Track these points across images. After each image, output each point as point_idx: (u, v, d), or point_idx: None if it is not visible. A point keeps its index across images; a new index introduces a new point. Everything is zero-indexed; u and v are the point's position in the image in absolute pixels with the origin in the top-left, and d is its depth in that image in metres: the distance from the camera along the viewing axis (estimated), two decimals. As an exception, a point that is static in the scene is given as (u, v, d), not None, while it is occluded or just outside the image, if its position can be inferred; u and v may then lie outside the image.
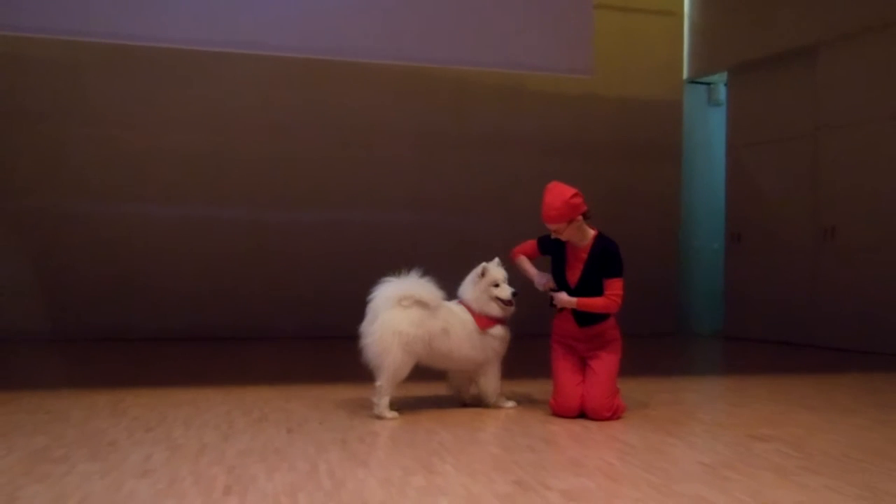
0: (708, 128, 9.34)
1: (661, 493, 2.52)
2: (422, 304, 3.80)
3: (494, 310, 3.92)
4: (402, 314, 3.76)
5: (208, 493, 2.44)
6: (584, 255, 3.83)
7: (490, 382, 3.98)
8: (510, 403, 4.04)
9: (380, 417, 3.70)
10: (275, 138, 7.86)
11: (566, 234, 3.79)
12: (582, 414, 3.79)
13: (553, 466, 2.87)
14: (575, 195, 3.73)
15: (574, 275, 3.85)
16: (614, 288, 3.75)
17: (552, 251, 3.95)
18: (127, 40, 6.16)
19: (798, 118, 7.90)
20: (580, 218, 3.77)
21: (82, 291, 7.37)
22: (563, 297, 3.80)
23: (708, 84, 9.40)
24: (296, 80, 7.82)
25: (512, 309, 3.94)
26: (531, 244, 4.06)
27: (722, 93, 9.24)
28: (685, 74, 9.24)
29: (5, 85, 7.29)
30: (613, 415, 3.74)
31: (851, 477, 2.76)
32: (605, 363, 3.82)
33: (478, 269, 3.95)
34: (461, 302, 3.98)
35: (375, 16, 6.21)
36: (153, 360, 6.12)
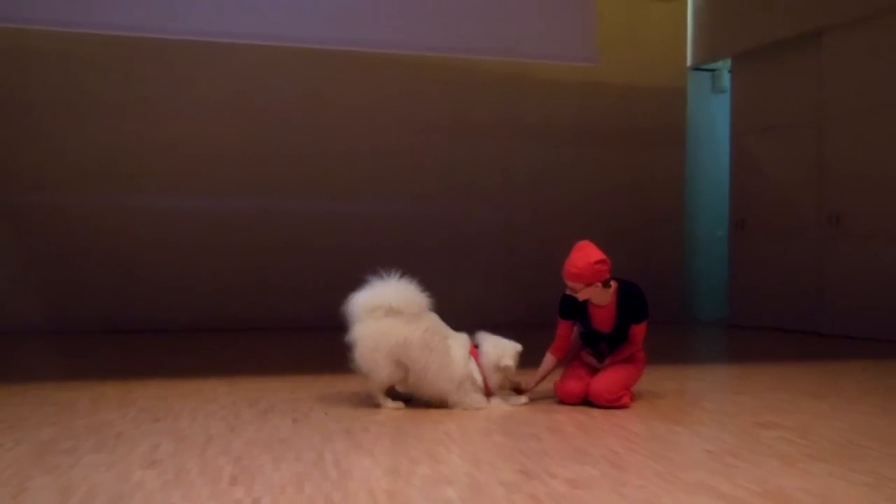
0: (712, 115, 9.31)
1: (666, 481, 2.52)
2: (396, 312, 3.70)
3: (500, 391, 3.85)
4: (376, 326, 3.70)
5: (215, 484, 2.45)
6: (613, 309, 3.82)
7: (472, 404, 3.74)
8: (523, 399, 3.87)
9: (383, 406, 3.75)
10: (275, 129, 7.85)
11: (582, 294, 3.74)
12: (586, 401, 3.80)
13: (558, 455, 2.87)
14: (600, 261, 3.68)
15: (606, 325, 3.86)
16: (639, 333, 3.86)
17: (575, 312, 3.89)
18: (126, 32, 6.15)
19: (803, 104, 7.87)
20: (599, 284, 3.72)
21: (86, 284, 7.39)
22: (591, 361, 3.93)
23: (712, 71, 9.36)
24: (297, 70, 7.81)
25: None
26: (563, 330, 3.95)
27: (726, 79, 9.20)
28: (689, 61, 9.20)
29: (2, 78, 7.28)
30: (616, 401, 3.74)
31: (856, 464, 2.76)
32: (622, 366, 3.86)
33: (499, 364, 3.76)
34: (475, 350, 3.79)
35: (377, 5, 6.19)
36: (159, 352, 6.14)
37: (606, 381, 3.77)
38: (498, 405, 3.78)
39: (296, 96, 7.89)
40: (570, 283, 3.73)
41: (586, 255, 3.70)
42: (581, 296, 3.75)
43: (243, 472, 2.58)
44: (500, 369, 3.76)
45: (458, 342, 3.78)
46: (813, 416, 3.64)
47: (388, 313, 3.71)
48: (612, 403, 3.72)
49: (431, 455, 2.84)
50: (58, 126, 7.39)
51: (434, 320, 3.78)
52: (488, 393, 3.79)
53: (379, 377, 3.73)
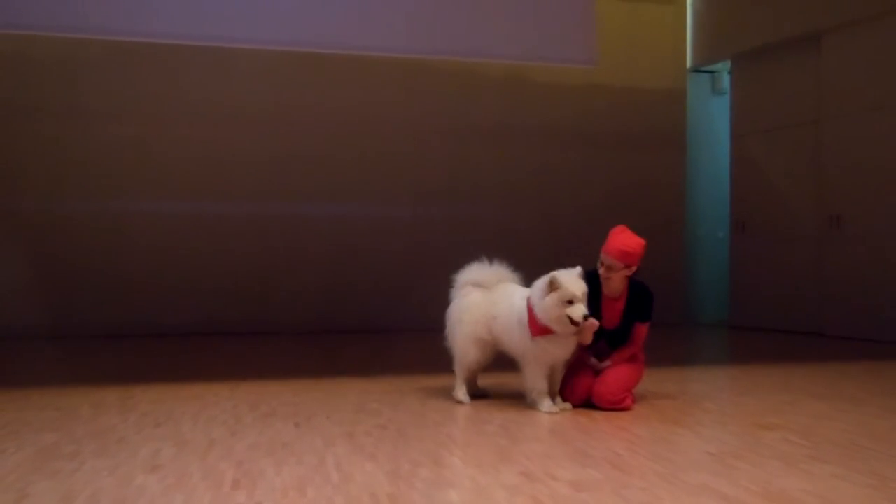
0: (712, 116, 9.31)
1: (668, 482, 2.52)
2: (479, 286, 3.89)
3: (558, 327, 3.53)
4: (462, 302, 3.90)
5: (217, 488, 2.45)
6: (623, 304, 3.85)
7: (527, 378, 3.74)
8: (550, 407, 3.68)
9: (456, 401, 3.92)
10: (276, 133, 7.85)
11: (616, 276, 3.77)
12: (588, 403, 3.80)
13: (560, 457, 2.87)
14: (644, 246, 3.79)
15: (612, 320, 3.86)
16: (642, 332, 3.89)
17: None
18: (127, 37, 6.17)
19: (802, 106, 7.87)
20: (634, 268, 3.79)
21: (87, 288, 7.39)
22: (593, 363, 3.89)
23: (711, 73, 9.36)
24: (298, 75, 7.81)
25: (578, 329, 3.54)
26: None
27: (726, 81, 9.21)
28: (688, 63, 9.20)
29: (5, 83, 7.30)
30: (618, 403, 3.74)
31: (859, 465, 2.76)
32: (623, 368, 3.85)
33: (545, 279, 3.53)
34: (529, 300, 3.62)
35: (376, 8, 6.20)
36: (160, 357, 6.14)
37: (609, 383, 3.77)
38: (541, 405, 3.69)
39: (296, 100, 7.89)
40: (613, 261, 3.73)
41: (634, 237, 3.79)
42: (615, 277, 3.77)
43: (245, 477, 2.58)
44: (565, 302, 3.46)
45: (516, 296, 3.79)
46: (814, 417, 3.64)
47: (474, 287, 3.90)
48: (614, 406, 3.72)
49: (433, 458, 2.84)
50: (58, 131, 7.39)
51: (501, 291, 3.87)
52: (538, 332, 3.55)
53: (457, 352, 3.90)
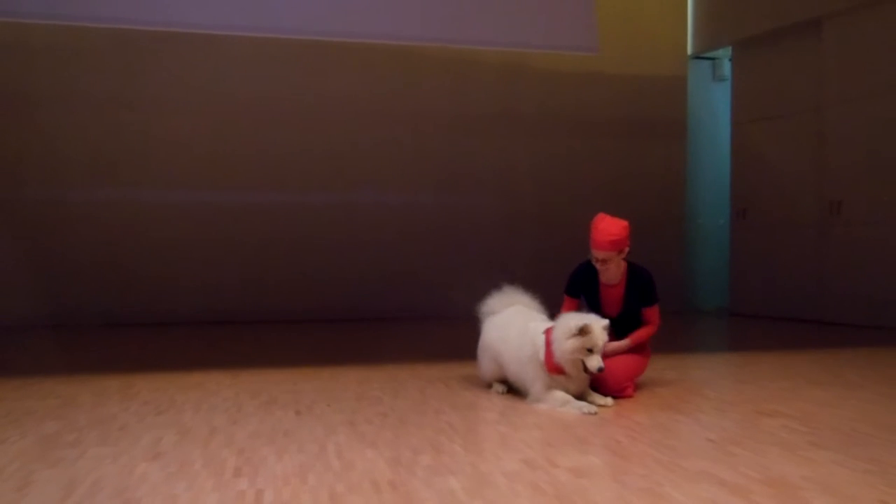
0: (713, 103, 9.28)
1: (668, 469, 2.53)
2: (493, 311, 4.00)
3: (570, 369, 3.47)
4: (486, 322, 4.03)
5: (219, 475, 2.46)
6: (622, 289, 3.86)
7: (544, 402, 3.55)
8: (587, 408, 3.44)
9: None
10: (273, 122, 7.83)
11: (612, 265, 3.77)
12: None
13: (560, 444, 2.88)
14: (628, 226, 3.76)
15: (613, 308, 3.86)
16: (654, 315, 3.90)
17: (584, 290, 3.87)
18: (127, 25, 6.15)
19: (803, 92, 7.85)
20: (626, 250, 3.80)
21: (87, 277, 7.40)
22: (614, 346, 3.75)
23: (712, 59, 9.33)
24: (295, 63, 7.79)
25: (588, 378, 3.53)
26: (568, 307, 3.86)
27: (726, 68, 9.18)
28: (689, 50, 9.17)
29: (3, 72, 7.27)
30: (621, 392, 3.74)
31: (858, 451, 2.77)
32: (629, 356, 3.85)
33: (575, 322, 3.44)
34: (547, 332, 3.55)
35: (376, -4, 6.18)
36: (161, 345, 6.15)
37: (612, 372, 3.76)
38: (566, 406, 3.48)
39: (294, 89, 7.86)
40: (603, 254, 3.74)
41: (616, 222, 3.76)
42: (610, 266, 3.78)
43: (247, 464, 2.59)
44: (586, 348, 3.42)
45: (538, 324, 3.71)
46: (814, 404, 3.65)
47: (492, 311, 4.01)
48: (616, 394, 3.73)
49: (434, 445, 2.85)
50: (56, 120, 7.37)
51: (511, 312, 3.91)
52: (553, 370, 3.50)
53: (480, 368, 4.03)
